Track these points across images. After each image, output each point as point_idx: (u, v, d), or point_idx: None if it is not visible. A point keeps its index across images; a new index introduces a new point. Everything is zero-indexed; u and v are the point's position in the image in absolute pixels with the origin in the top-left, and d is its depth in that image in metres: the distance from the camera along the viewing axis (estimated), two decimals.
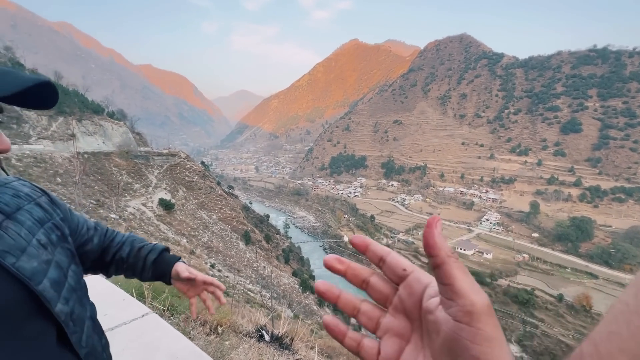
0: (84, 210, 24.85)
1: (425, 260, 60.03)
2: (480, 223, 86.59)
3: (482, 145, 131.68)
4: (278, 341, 2.76)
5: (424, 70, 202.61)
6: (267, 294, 26.58)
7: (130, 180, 42.36)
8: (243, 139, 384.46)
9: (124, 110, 71.47)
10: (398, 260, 0.37)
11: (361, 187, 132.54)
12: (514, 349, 48.76)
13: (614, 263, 61.84)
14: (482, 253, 68.75)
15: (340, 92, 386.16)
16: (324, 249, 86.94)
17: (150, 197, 40.75)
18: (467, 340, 0.29)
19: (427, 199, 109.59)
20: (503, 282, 58.54)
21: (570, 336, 46.83)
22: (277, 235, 71.16)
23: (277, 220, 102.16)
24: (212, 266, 29.57)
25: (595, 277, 59.48)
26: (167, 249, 1.21)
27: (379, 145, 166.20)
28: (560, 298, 52.45)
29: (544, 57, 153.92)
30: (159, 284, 3.04)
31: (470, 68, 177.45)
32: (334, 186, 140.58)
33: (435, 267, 0.32)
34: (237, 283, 27.53)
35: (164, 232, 33.81)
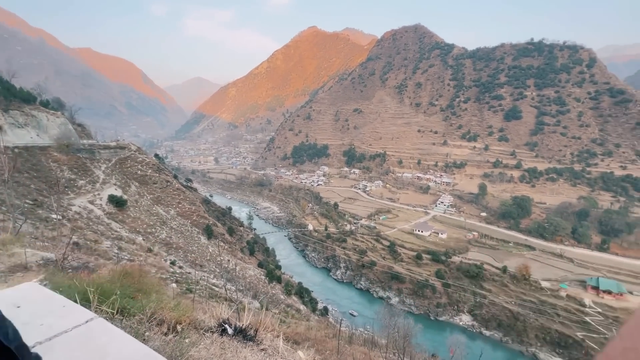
0: (19, 212, 22.24)
1: (385, 243, 62.40)
2: (436, 205, 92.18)
3: (436, 133, 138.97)
4: (242, 333, 2.69)
5: (381, 59, 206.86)
6: (233, 287, 26.08)
7: (73, 176, 38.54)
8: (200, 130, 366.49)
9: (60, 98, 64.16)
10: None
11: (324, 175, 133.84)
12: (466, 318, 53.45)
13: (547, 235, 69.63)
14: (438, 233, 73.55)
15: (300, 80, 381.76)
16: (290, 239, 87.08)
17: (99, 194, 37.53)
18: None
19: (387, 185, 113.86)
20: (456, 259, 63.36)
21: (513, 302, 52.31)
22: (241, 228, 69.75)
23: (240, 212, 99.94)
24: (173, 263, 28.29)
25: (533, 249, 66.65)
26: None
27: (340, 133, 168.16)
28: (504, 270, 58.13)
29: (489, 48, 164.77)
30: (108, 285, 2.79)
31: (424, 58, 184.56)
32: (297, 175, 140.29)
33: None
34: (200, 279, 26.67)
35: (116, 231, 31.48)
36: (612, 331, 32.47)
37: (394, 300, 57.43)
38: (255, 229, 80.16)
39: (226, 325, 2.72)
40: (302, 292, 48.67)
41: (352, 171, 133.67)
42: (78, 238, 24.05)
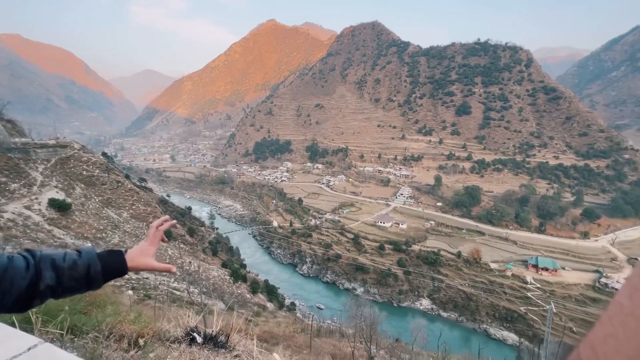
0: None
1: (350, 235, 63.88)
2: (396, 197, 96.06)
3: (394, 127, 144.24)
4: (212, 341, 2.57)
5: (341, 55, 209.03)
6: (196, 290, 25.10)
7: (3, 179, 34.25)
8: (154, 126, 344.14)
9: None
10: None
11: (287, 171, 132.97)
12: (426, 303, 56.74)
13: (495, 221, 75.94)
14: (399, 224, 76.84)
15: (261, 74, 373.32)
16: (254, 236, 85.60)
17: (37, 198, 33.79)
18: None
19: (350, 179, 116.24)
20: (416, 247, 66.81)
21: (466, 284, 56.52)
22: (202, 228, 67.09)
23: (201, 211, 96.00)
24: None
25: (483, 234, 72.35)
26: (101, 253, 1.16)
27: (302, 129, 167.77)
28: (458, 255, 62.50)
29: (441, 47, 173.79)
30: (54, 305, 2.49)
31: (382, 55, 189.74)
32: (259, 172, 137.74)
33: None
34: (159, 284, 25.30)
35: (59, 238, 28.65)
36: (550, 304, 36.40)
37: (359, 290, 59.15)
38: (217, 228, 77.58)
39: (194, 334, 2.58)
40: (269, 290, 48.27)
41: (315, 166, 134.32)
42: (13, 248, 21.51)
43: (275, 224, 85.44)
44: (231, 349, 2.55)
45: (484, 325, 50.62)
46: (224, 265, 49.19)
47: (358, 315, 21.19)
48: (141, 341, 2.31)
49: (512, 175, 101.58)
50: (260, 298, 42.19)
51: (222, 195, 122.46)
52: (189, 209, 78.15)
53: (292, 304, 50.01)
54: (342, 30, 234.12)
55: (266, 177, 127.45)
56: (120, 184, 47.67)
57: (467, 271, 59.35)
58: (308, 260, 69.79)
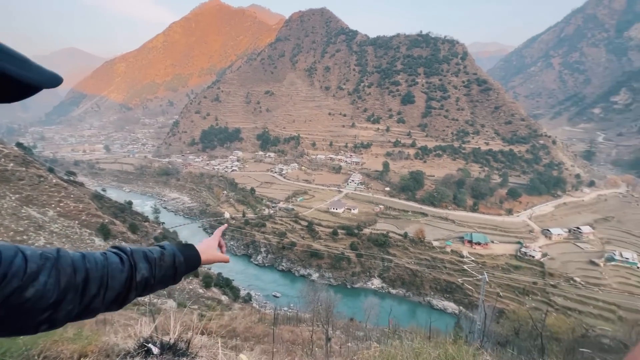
0: None
1: (304, 223, 64.55)
2: (347, 184, 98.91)
3: (344, 115, 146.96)
4: (171, 350, 2.36)
5: (290, 40, 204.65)
6: None
7: None
8: (82, 112, 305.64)
9: None
10: None
11: (238, 160, 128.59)
12: (377, 282, 60.20)
13: (436, 203, 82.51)
14: (350, 209, 79.55)
15: (205, 58, 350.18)
16: (205, 229, 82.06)
17: None
18: None
19: (303, 167, 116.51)
20: (367, 230, 70.01)
21: (412, 262, 61.10)
22: (146, 223, 62.32)
23: (144, 206, 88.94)
24: None
25: (426, 215, 78.29)
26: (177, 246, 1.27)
27: (252, 116, 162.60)
28: (405, 235, 67.02)
29: (387, 37, 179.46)
30: None
31: (331, 42, 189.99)
32: (208, 162, 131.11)
33: None
34: None
35: None
36: (483, 274, 40.97)
37: (315, 276, 60.53)
38: (163, 223, 72.70)
39: (150, 345, 2.34)
40: (223, 283, 47.00)
41: (267, 155, 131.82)
42: None
43: (227, 215, 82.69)
44: (193, 356, 2.37)
45: (428, 298, 55.51)
46: None
47: (314, 300, 21.75)
48: None
49: (451, 160, 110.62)
50: (214, 292, 40.95)
51: (167, 188, 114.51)
52: (130, 203, 71.89)
53: (248, 295, 49.44)
54: (291, 15, 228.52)
55: (215, 167, 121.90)
56: (42, 179, 41.91)
57: (413, 250, 64.05)
58: (263, 250, 69.17)
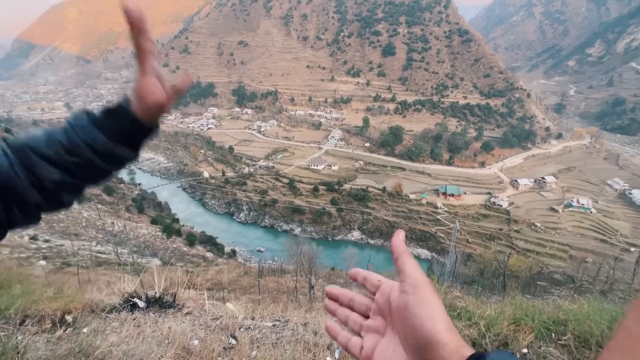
0: None
1: (285, 180, 64.83)
2: (328, 140, 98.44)
3: (324, 68, 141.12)
4: (157, 303, 2.43)
5: None
6: (125, 251, 23.55)
7: None
8: (33, 66, 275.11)
9: None
10: (375, 275, 0.61)
11: (214, 118, 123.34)
12: (357, 234, 63.25)
13: (414, 157, 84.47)
14: (331, 166, 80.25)
15: (169, 3, 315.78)
16: (184, 189, 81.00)
17: None
18: (412, 305, 0.47)
19: (282, 124, 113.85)
20: (347, 186, 71.62)
21: (390, 215, 64.12)
22: (121, 185, 60.61)
23: None
24: (34, 238, 23.14)
25: (404, 169, 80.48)
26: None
27: (226, 70, 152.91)
28: (384, 189, 69.30)
29: None
30: None
31: None
32: (182, 120, 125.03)
33: (394, 260, 0.53)
34: (78, 249, 22.89)
35: None
36: (455, 223, 43.70)
37: (297, 230, 62.58)
38: (140, 184, 70.90)
39: (135, 299, 2.39)
40: (207, 240, 47.83)
41: (244, 111, 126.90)
42: None
43: (206, 174, 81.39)
44: (180, 307, 2.47)
45: None
46: (154, 222, 46.35)
47: (298, 253, 22.75)
48: (68, 318, 2.03)
49: (429, 115, 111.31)
50: (199, 249, 41.76)
51: None
52: None
53: (233, 250, 50.82)
54: None
55: (190, 125, 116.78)
56: None
57: (391, 203, 66.80)
58: (245, 207, 69.81)
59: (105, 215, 39.04)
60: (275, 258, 43.54)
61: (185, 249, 38.79)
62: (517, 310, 2.95)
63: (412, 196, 68.01)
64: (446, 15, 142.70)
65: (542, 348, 2.65)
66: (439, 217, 62.45)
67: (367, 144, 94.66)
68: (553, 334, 2.81)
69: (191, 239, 42.78)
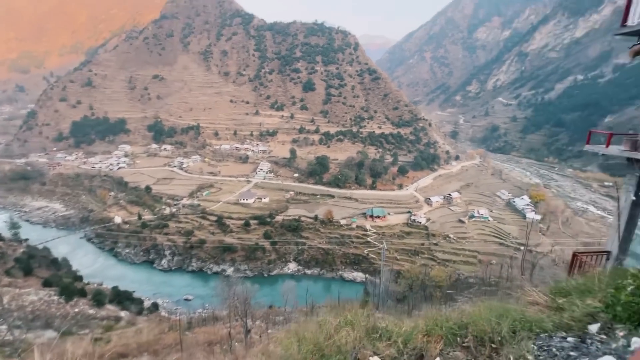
0: None
1: (212, 218, 61.39)
2: (256, 173, 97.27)
3: (247, 103, 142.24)
4: None
5: (179, 19, 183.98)
6: (3, 327, 18.90)
7: None
8: None
9: None
10: None
11: (126, 156, 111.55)
12: (293, 266, 62.07)
13: (341, 184, 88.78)
14: (261, 198, 78.85)
15: (67, 33, 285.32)
16: (89, 240, 69.65)
17: None
18: None
19: (206, 159, 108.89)
20: (279, 217, 70.81)
21: (324, 242, 65.02)
22: (0, 243, 49.04)
23: None
24: None
25: (333, 196, 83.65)
26: None
27: (140, 104, 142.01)
28: (315, 218, 70.48)
29: (285, 24, 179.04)
30: None
31: (226, 24, 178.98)
32: (85, 160, 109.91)
33: None
34: None
35: None
36: (383, 243, 46.38)
37: (229, 270, 58.56)
38: (27, 239, 58.41)
39: None
40: (120, 297, 41.13)
41: (162, 148, 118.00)
42: None
43: (118, 219, 71.71)
44: None
45: (340, 272, 60.31)
46: (47, 283, 38.20)
47: (230, 296, 21.15)
48: None
49: (351, 144, 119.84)
50: (110, 309, 35.62)
51: (27, 195, 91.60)
52: None
53: (154, 304, 44.63)
54: None
55: (95, 166, 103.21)
56: None
57: (324, 230, 68.05)
58: (167, 253, 62.98)
59: None
60: (206, 305, 39.56)
61: (91, 311, 32.71)
62: (428, 321, 3.31)
63: (342, 221, 70.55)
64: (356, 57, 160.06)
65: (450, 353, 3.01)
66: (369, 239, 65.73)
67: (296, 174, 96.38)
68: (458, 338, 3.22)
69: (99, 298, 36.34)
